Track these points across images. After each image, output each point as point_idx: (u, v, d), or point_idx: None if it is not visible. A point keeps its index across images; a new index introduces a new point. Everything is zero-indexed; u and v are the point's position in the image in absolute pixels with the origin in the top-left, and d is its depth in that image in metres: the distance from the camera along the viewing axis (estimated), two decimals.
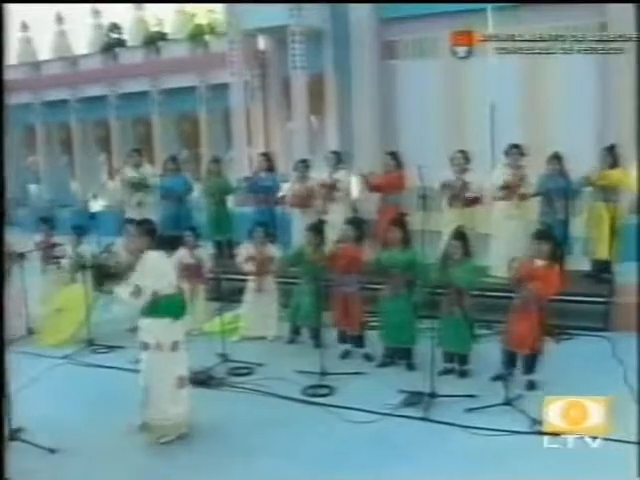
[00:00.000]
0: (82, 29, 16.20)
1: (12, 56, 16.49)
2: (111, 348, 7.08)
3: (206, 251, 7.82)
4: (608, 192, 7.27)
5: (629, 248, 7.00)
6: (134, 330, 5.87)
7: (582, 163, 7.64)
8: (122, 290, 4.80)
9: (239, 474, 4.55)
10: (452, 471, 4.39)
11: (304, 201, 8.59)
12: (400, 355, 6.21)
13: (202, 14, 14.71)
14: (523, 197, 7.53)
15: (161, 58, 14.69)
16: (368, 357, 6.41)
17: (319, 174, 8.77)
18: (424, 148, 9.68)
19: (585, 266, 7.57)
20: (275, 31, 11.37)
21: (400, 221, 6.36)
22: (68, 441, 4.92)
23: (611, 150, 7.37)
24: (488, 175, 8.12)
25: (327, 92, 11.49)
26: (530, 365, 5.52)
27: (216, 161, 9.67)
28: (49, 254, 7.94)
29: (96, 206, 8.39)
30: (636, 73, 6.29)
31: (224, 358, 6.33)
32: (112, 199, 9.80)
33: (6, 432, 4.78)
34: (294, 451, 4.75)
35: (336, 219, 7.74)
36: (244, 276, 7.36)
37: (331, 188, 8.47)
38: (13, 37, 16.39)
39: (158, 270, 4.89)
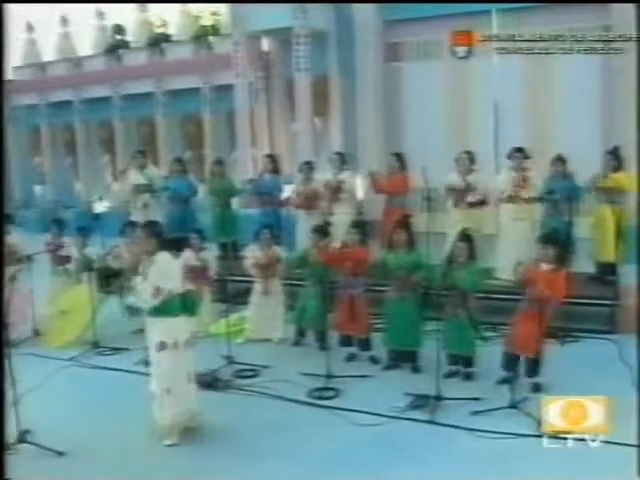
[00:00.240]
0: (86, 31, 16.30)
1: (17, 58, 16.58)
2: (116, 350, 7.08)
3: (211, 253, 7.83)
4: (613, 194, 7.27)
5: (634, 250, 7.00)
6: (139, 332, 5.92)
7: (586, 164, 7.64)
8: (143, 292, 4.83)
9: (245, 476, 4.55)
10: (458, 474, 4.39)
11: (309, 202, 8.60)
12: (405, 358, 6.21)
13: (206, 16, 14.72)
14: (529, 201, 7.52)
15: (165, 59, 14.74)
16: (374, 360, 6.41)
17: (324, 175, 8.78)
18: (428, 149, 9.70)
19: (590, 268, 7.56)
20: (279, 33, 11.39)
21: (405, 223, 6.36)
22: (76, 443, 4.92)
23: (615, 152, 7.37)
24: (492, 176, 8.12)
25: (331, 94, 11.50)
26: (534, 368, 5.52)
27: (220, 163, 9.69)
28: (58, 255, 7.95)
29: (100, 207, 8.37)
30: (637, 73, 6.30)
31: (230, 360, 6.34)
32: (117, 200, 9.79)
33: (14, 434, 4.81)
34: (300, 453, 4.75)
35: (341, 220, 7.75)
36: (249, 278, 7.37)
37: (336, 189, 8.49)
38: (18, 39, 16.47)
39: (171, 271, 4.97)
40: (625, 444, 4.36)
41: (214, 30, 14.19)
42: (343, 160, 8.69)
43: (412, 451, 4.71)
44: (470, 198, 7.73)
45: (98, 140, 16.57)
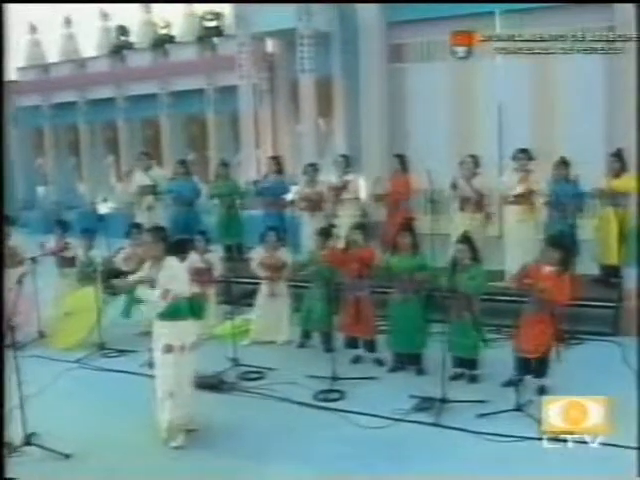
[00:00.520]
0: (90, 32, 16.27)
1: (21, 59, 16.60)
2: (122, 352, 7.10)
3: (216, 255, 7.84)
4: (617, 197, 7.27)
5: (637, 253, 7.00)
6: (144, 334, 5.94)
7: (590, 165, 7.64)
8: (152, 296, 4.88)
9: (250, 478, 4.57)
10: (463, 477, 4.40)
11: (313, 205, 8.63)
12: (410, 360, 6.22)
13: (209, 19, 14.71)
14: (533, 203, 7.52)
15: (169, 61, 14.76)
16: (379, 362, 6.42)
17: (328, 177, 8.79)
18: (432, 151, 9.70)
19: (594, 271, 7.57)
20: (283, 34, 11.41)
21: (409, 225, 6.37)
22: (82, 446, 4.94)
23: (618, 155, 7.37)
24: (496, 179, 8.11)
25: (335, 95, 11.52)
26: (541, 370, 5.53)
27: (224, 165, 9.71)
28: (64, 257, 7.97)
29: (104, 208, 8.40)
30: (637, 73, 6.30)
31: (235, 362, 6.35)
32: (121, 202, 9.83)
33: (20, 436, 4.83)
34: (305, 456, 4.77)
35: (346, 222, 7.77)
36: (254, 280, 7.38)
37: (340, 191, 8.50)
38: (22, 40, 16.49)
39: (179, 275, 5.00)
40: (623, 446, 4.39)
41: (218, 31, 14.18)
42: (348, 162, 8.71)
43: (418, 454, 4.72)
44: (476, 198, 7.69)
45: (102, 141, 16.61)
